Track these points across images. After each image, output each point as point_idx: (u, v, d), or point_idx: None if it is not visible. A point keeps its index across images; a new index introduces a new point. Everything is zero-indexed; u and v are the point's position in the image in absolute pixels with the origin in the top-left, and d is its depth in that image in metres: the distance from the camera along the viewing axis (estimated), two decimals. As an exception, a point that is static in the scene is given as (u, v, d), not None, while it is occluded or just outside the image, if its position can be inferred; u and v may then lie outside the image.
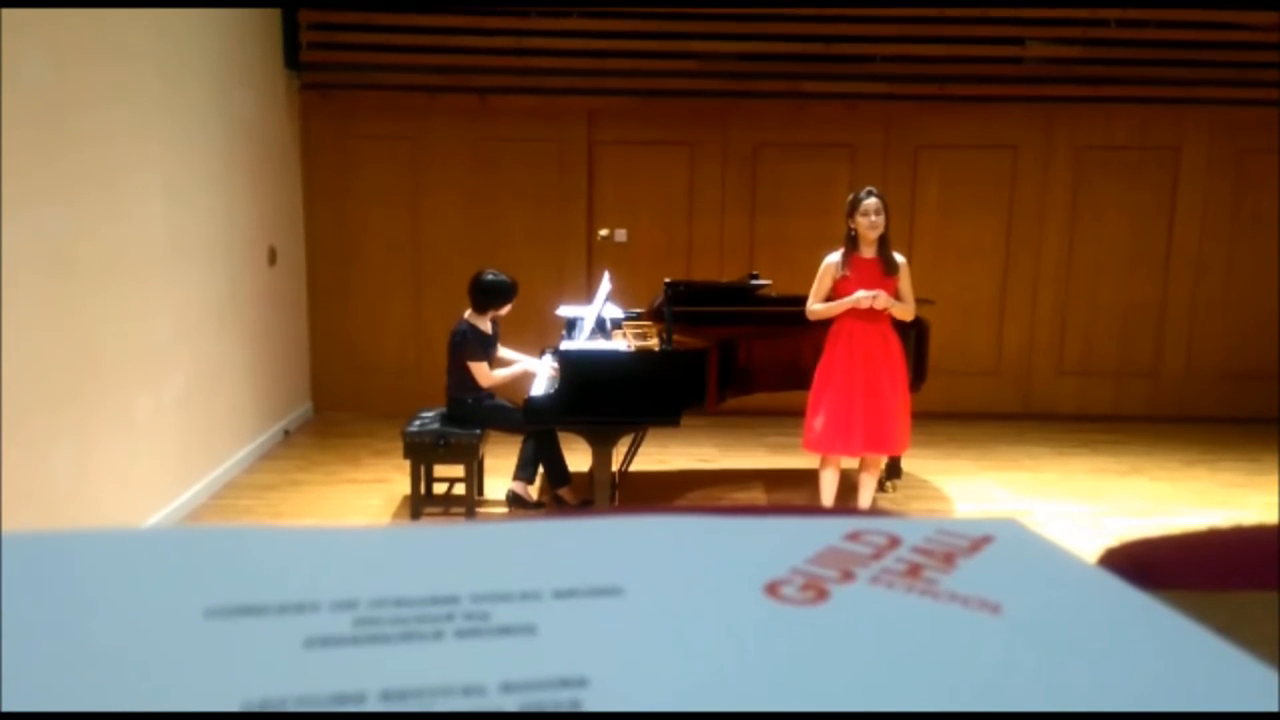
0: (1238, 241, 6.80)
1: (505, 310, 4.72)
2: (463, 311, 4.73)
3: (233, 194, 5.33)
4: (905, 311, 4.27)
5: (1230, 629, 0.32)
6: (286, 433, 6.20)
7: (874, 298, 4.15)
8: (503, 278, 4.71)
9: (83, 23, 3.79)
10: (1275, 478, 5.37)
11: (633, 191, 6.69)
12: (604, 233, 6.47)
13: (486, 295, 4.65)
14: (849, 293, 4.22)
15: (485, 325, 4.68)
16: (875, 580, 0.35)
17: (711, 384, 4.43)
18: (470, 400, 4.64)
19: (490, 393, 4.70)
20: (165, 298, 4.53)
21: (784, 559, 0.36)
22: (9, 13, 3.30)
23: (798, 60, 6.35)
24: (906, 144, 6.69)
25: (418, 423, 4.64)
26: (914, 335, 4.82)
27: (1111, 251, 6.83)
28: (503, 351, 4.83)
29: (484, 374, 4.60)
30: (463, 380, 4.63)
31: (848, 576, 0.35)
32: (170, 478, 4.61)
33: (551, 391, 4.35)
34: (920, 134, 6.66)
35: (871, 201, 4.16)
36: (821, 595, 0.34)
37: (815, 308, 4.29)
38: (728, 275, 6.40)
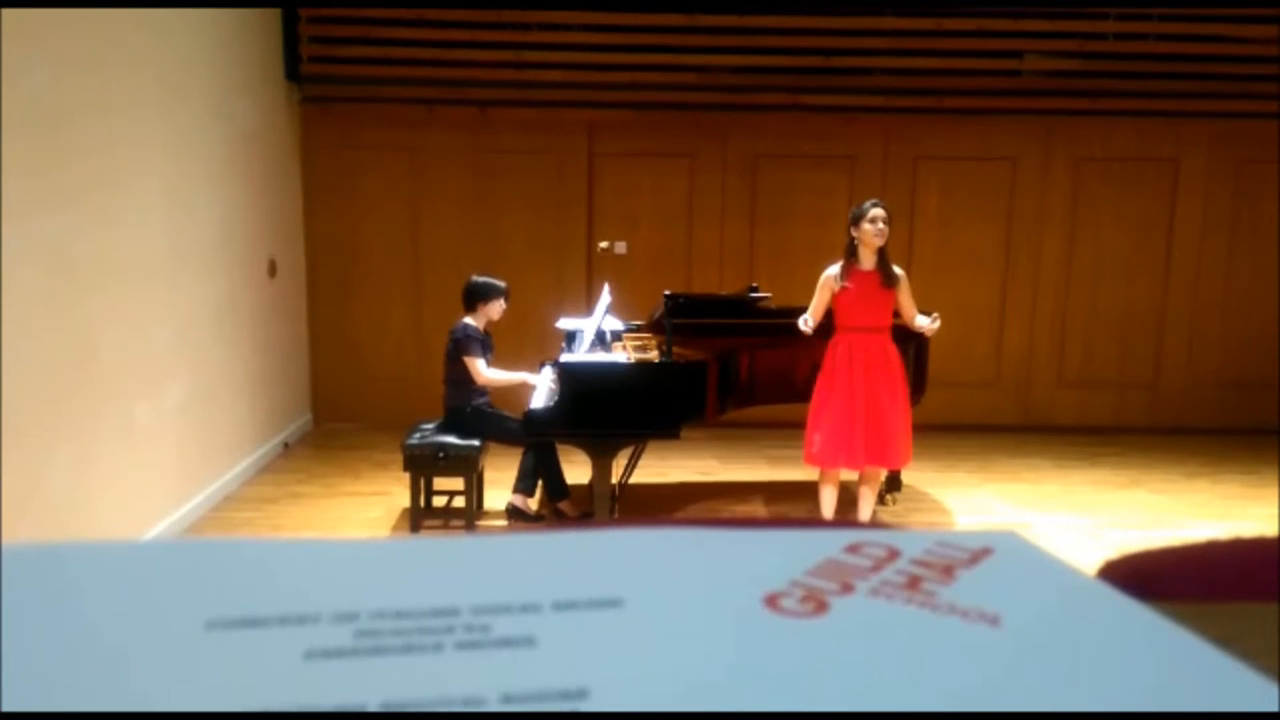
0: (1237, 252, 6.82)
1: (496, 311, 4.72)
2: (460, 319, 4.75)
3: (233, 204, 5.34)
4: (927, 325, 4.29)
5: (1230, 641, 0.32)
6: (286, 445, 6.19)
7: (803, 323, 4.21)
8: (492, 278, 4.76)
9: (84, 31, 3.80)
10: (1275, 490, 5.36)
11: (633, 203, 6.70)
12: (604, 244, 6.48)
13: (477, 293, 4.69)
14: (848, 304, 4.23)
15: (481, 328, 4.70)
16: (874, 592, 0.35)
17: (711, 396, 4.43)
18: (469, 408, 4.64)
19: (488, 399, 4.70)
20: (165, 307, 4.53)
21: (783, 571, 0.36)
22: (10, 22, 3.31)
23: (797, 73, 6.38)
24: (905, 155, 6.70)
25: (418, 435, 4.63)
26: (913, 347, 4.82)
27: (1111, 262, 6.84)
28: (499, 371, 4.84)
29: (478, 370, 4.60)
30: (460, 386, 4.64)
31: (847, 588, 0.35)
32: (170, 490, 4.60)
33: (551, 403, 4.35)
34: (919, 145, 6.68)
35: (879, 211, 4.17)
36: (821, 607, 0.34)
37: (805, 321, 4.29)
38: (727, 287, 6.41)
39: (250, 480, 5.47)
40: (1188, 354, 6.94)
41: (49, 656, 0.29)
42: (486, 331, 4.75)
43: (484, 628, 0.31)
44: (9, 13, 3.30)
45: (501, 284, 4.74)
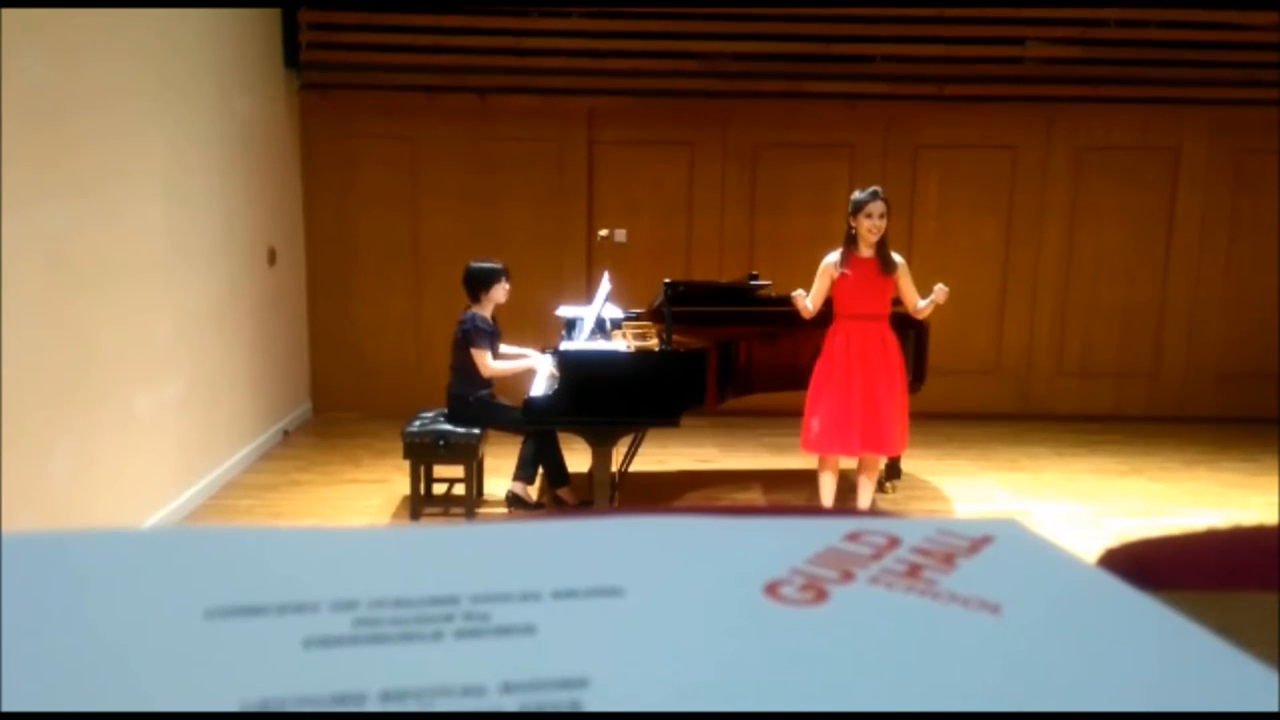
0: (1237, 241, 6.81)
1: (502, 294, 4.72)
2: (463, 308, 4.74)
3: (232, 194, 5.33)
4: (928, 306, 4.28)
5: (1230, 629, 0.32)
6: (286, 433, 6.19)
7: (799, 296, 4.28)
8: (487, 262, 4.75)
9: (83, 23, 3.79)
10: (1275, 478, 5.37)
11: (632, 192, 6.69)
12: (604, 233, 6.47)
13: (478, 281, 4.68)
14: (847, 291, 4.23)
15: (488, 316, 4.70)
16: (875, 581, 0.35)
17: (711, 384, 4.43)
18: (472, 398, 4.64)
19: (491, 391, 4.70)
20: (165, 297, 4.53)
21: (783, 559, 0.36)
22: (9, 13, 3.30)
23: (797, 60, 6.35)
24: (906, 144, 6.69)
25: (418, 423, 4.64)
26: (913, 336, 4.83)
27: (1111, 252, 6.83)
28: (506, 348, 4.84)
29: (485, 362, 4.60)
30: (465, 376, 4.64)
31: (847, 577, 0.35)
32: (169, 478, 4.61)
33: (551, 392, 4.35)
34: (920, 134, 6.66)
35: (876, 205, 4.15)
36: (821, 596, 0.34)
37: (805, 304, 4.31)
38: (727, 275, 6.40)
39: (250, 468, 5.48)
40: (1187, 343, 6.94)
41: (50, 644, 0.29)
42: (494, 318, 4.75)
43: (484, 616, 0.31)
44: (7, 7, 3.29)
45: (500, 266, 4.74)
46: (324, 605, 0.32)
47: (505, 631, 0.31)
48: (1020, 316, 6.92)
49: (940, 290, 4.21)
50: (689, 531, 0.40)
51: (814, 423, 4.33)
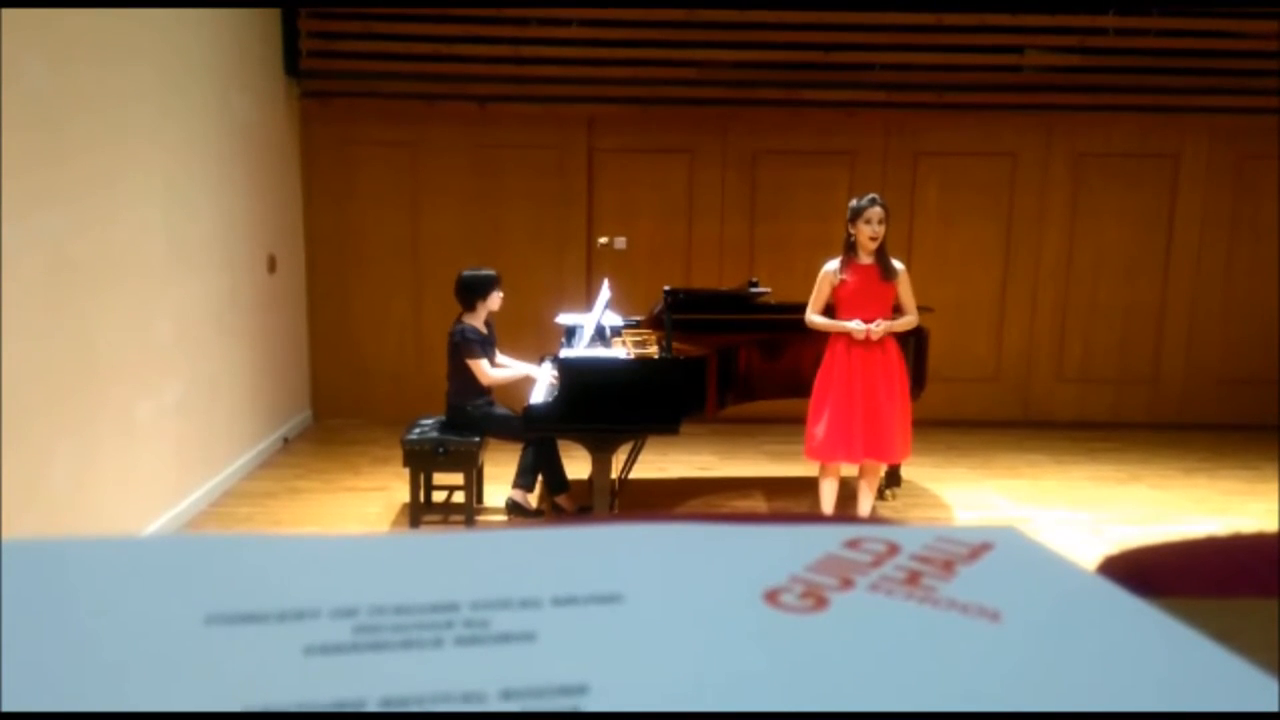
0: (1237, 248, 6.82)
1: (495, 302, 4.71)
2: (455, 317, 4.73)
3: (232, 200, 5.34)
4: (906, 324, 4.27)
5: (1230, 636, 0.32)
6: (286, 440, 6.19)
7: (867, 332, 4.15)
8: (481, 270, 4.74)
9: (83, 27, 3.80)
10: (1275, 485, 5.37)
11: (632, 198, 6.69)
12: (604, 240, 6.48)
13: (470, 290, 4.67)
14: (847, 298, 4.22)
15: (480, 325, 4.69)
16: (875, 588, 0.35)
17: (711, 391, 4.43)
18: (470, 407, 4.64)
19: (490, 399, 4.70)
20: (165, 303, 4.53)
21: (783, 567, 0.36)
22: (9, 16, 3.30)
23: (797, 68, 6.37)
24: (906, 151, 6.70)
25: (417, 430, 4.63)
26: (914, 342, 4.82)
27: (1111, 258, 6.84)
28: (501, 358, 4.83)
29: (483, 371, 4.60)
30: (463, 385, 4.63)
31: (847, 584, 0.35)
32: (169, 485, 4.60)
33: (551, 399, 4.35)
34: (920, 141, 6.67)
35: (875, 210, 4.15)
36: (821, 603, 0.34)
37: (814, 319, 4.29)
38: (727, 282, 6.41)
39: (250, 475, 5.47)
40: (1187, 349, 6.94)
41: (50, 651, 0.29)
42: (489, 322, 4.74)
43: (483, 623, 0.31)
44: (7, 7, 3.29)
45: (493, 273, 4.73)
46: (324, 612, 0.32)
47: (505, 638, 0.31)
48: (1020, 323, 6.92)
49: (880, 325, 4.18)
50: (689, 538, 0.40)
51: (817, 430, 4.33)
